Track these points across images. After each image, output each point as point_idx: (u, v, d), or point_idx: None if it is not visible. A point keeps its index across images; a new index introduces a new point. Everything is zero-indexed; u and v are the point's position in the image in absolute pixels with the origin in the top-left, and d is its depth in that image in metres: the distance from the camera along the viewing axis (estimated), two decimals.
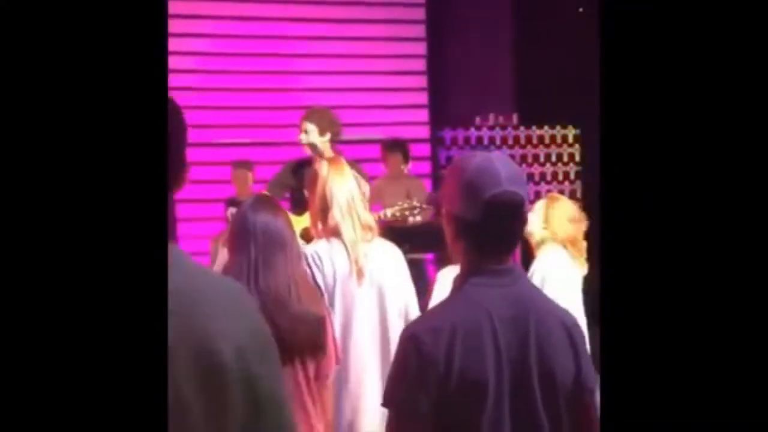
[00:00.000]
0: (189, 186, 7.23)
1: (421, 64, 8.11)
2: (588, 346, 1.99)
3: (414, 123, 7.98)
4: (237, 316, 1.32)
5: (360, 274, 3.12)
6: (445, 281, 3.29)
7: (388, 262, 3.23)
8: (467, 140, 7.86)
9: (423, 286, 3.97)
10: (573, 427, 1.86)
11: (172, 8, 5.79)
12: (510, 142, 7.99)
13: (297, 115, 5.03)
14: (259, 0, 7.74)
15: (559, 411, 1.84)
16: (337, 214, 3.13)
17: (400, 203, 4.74)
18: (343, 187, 3.16)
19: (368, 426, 3.11)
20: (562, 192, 7.72)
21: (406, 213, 4.87)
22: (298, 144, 4.90)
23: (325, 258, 3.10)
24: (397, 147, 6.77)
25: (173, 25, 6.44)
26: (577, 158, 8.12)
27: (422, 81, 8.12)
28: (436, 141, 7.94)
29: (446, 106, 8.08)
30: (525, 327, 1.84)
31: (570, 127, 8.11)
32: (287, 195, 4.95)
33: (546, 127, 8.08)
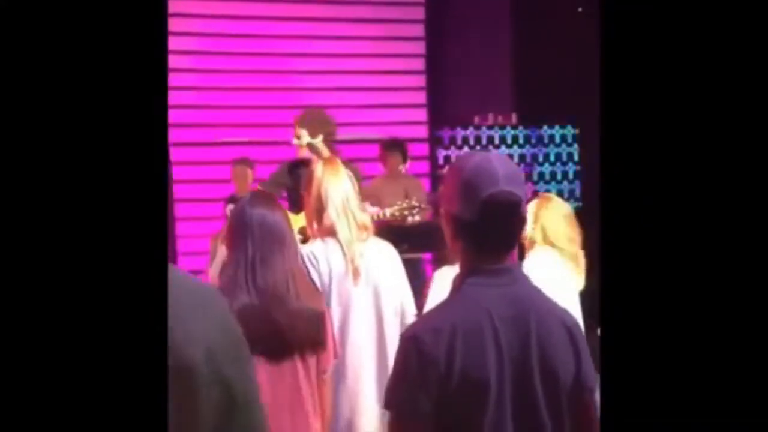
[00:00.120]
0: (188, 185, 7.20)
1: (420, 64, 8.12)
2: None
3: (412, 122, 7.99)
4: (206, 318, 1.31)
5: (356, 273, 3.13)
6: (441, 281, 3.28)
7: (384, 261, 3.24)
8: (466, 140, 7.86)
9: (420, 285, 3.97)
10: (573, 427, 1.86)
11: (172, 7, 5.80)
12: (509, 141, 8.00)
13: (296, 114, 5.04)
14: None
15: (560, 411, 1.84)
16: (332, 214, 3.15)
17: (399, 203, 4.75)
18: (339, 187, 3.18)
19: (366, 425, 3.12)
20: (561, 192, 7.73)
21: (405, 213, 4.87)
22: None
23: (321, 257, 3.11)
24: (396, 147, 6.77)
25: (173, 24, 6.46)
26: (576, 158, 8.13)
27: (421, 80, 8.13)
28: (434, 140, 7.93)
29: (445, 106, 8.08)
30: (526, 326, 1.84)
31: (569, 126, 8.12)
32: (284, 194, 4.96)
33: (545, 127, 8.09)
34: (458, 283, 1.92)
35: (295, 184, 4.61)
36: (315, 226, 3.22)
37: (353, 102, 7.75)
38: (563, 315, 1.93)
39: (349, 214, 3.16)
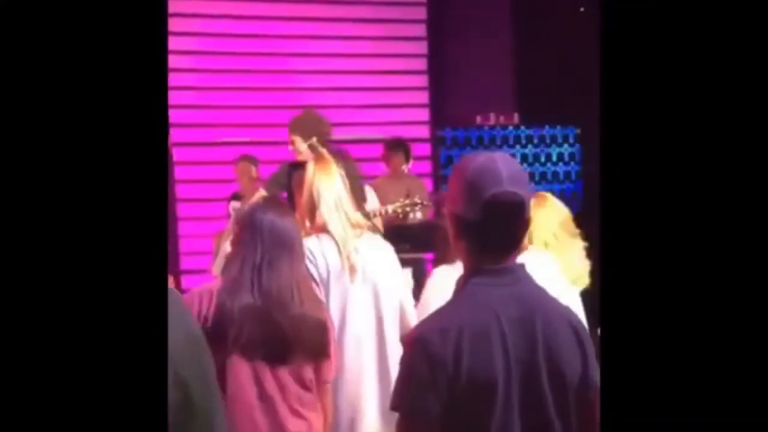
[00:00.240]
0: (190, 185, 7.18)
1: (422, 64, 8.11)
2: None
3: (415, 122, 7.99)
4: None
5: (352, 270, 3.13)
6: (438, 279, 3.27)
7: (380, 257, 3.24)
8: (468, 140, 7.86)
9: (422, 284, 3.96)
10: (580, 426, 1.86)
11: (172, 7, 5.80)
12: (511, 141, 7.99)
13: (297, 114, 5.04)
14: None
15: (568, 410, 1.85)
16: (324, 212, 3.16)
17: (401, 200, 4.76)
18: (331, 187, 3.19)
19: (367, 425, 3.11)
20: (562, 192, 7.72)
21: (407, 209, 4.88)
22: None
23: (317, 253, 3.12)
24: (399, 147, 6.78)
25: (173, 24, 6.45)
26: (578, 158, 8.12)
27: (423, 80, 8.12)
28: (436, 140, 7.94)
29: (447, 106, 8.08)
30: (532, 327, 1.84)
31: (570, 126, 8.12)
32: (284, 195, 4.97)
33: (546, 127, 8.08)
34: (462, 284, 1.92)
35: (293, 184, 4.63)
36: (308, 224, 3.23)
37: (355, 102, 7.75)
38: (568, 314, 1.93)
39: (341, 212, 3.17)
